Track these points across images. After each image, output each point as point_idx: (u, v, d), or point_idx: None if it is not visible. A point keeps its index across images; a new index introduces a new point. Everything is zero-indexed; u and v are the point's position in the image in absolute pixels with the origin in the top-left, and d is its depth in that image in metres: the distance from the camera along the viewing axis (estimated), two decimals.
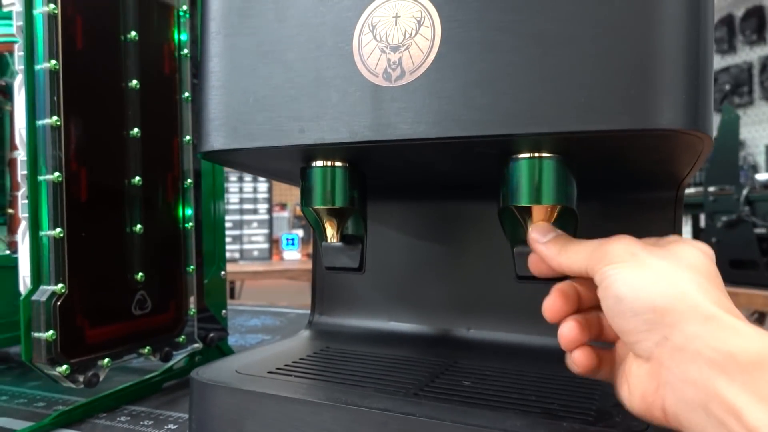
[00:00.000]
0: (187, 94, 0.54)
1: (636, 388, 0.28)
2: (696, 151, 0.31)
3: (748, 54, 3.39)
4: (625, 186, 0.43)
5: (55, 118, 0.42)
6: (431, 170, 0.43)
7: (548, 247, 0.32)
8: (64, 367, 0.42)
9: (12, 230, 0.61)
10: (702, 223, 1.49)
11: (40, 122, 0.42)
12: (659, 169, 0.38)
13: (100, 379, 0.45)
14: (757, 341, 0.24)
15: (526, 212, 0.35)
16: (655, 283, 0.26)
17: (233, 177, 2.53)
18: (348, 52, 0.34)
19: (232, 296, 2.62)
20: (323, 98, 0.34)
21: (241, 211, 2.53)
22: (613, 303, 0.28)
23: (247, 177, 2.54)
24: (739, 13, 3.40)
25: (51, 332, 0.42)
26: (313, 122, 0.34)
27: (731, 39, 3.45)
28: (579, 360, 0.31)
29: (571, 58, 0.29)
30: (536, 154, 0.33)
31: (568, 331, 0.31)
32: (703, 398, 0.24)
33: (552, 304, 0.32)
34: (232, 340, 0.76)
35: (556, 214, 0.34)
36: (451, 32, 0.31)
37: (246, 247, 2.54)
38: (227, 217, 2.47)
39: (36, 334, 0.42)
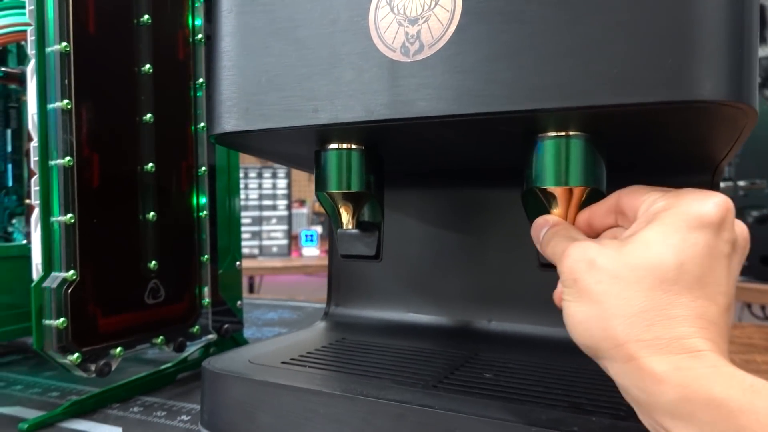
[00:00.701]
0: (201, 80, 0.53)
1: None
2: (738, 127, 0.29)
3: None
4: (657, 169, 0.40)
5: (66, 101, 0.41)
6: (451, 152, 0.41)
7: (541, 247, 0.32)
8: (76, 355, 0.42)
9: (28, 219, 0.61)
10: None
11: (50, 106, 0.41)
12: (696, 150, 0.35)
13: (112, 368, 0.44)
14: (673, 381, 0.23)
15: (552, 195, 0.33)
16: (587, 320, 0.26)
17: (252, 173, 2.53)
18: (364, 26, 0.32)
19: (252, 292, 2.62)
20: (338, 76, 0.32)
21: (260, 207, 2.54)
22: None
23: (267, 173, 2.55)
24: None
25: (62, 320, 0.41)
26: (327, 101, 0.33)
27: (762, 30, 3.35)
28: None
29: (602, 26, 0.27)
30: (563, 133, 0.31)
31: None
32: (653, 425, 0.24)
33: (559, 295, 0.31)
34: (248, 333, 0.75)
35: (584, 197, 0.32)
36: (472, 2, 0.29)
37: (265, 243, 2.54)
38: (246, 213, 2.48)
39: (47, 322, 0.41)
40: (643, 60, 0.26)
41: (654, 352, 0.23)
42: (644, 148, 0.36)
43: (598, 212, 0.31)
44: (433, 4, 0.30)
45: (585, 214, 0.32)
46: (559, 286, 0.30)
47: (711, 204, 0.25)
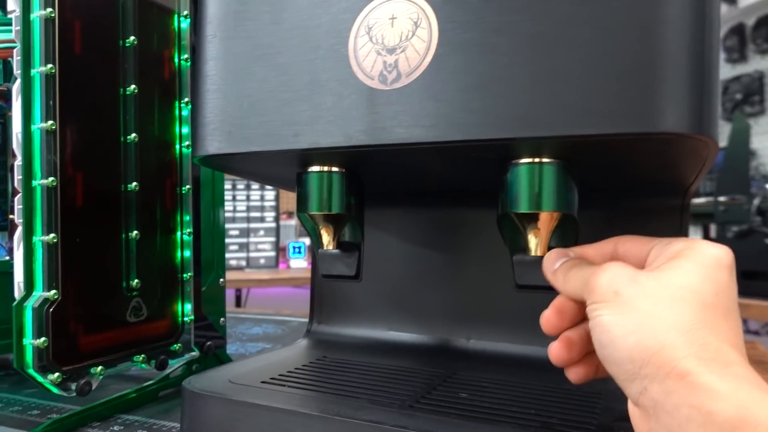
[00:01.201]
0: (186, 100, 0.54)
1: (634, 423, 0.27)
2: (701, 157, 0.30)
3: (759, 63, 3.36)
4: (629, 193, 0.42)
5: (50, 122, 0.42)
6: (429, 176, 0.42)
7: (556, 278, 0.31)
8: (56, 374, 0.42)
9: (11, 236, 0.61)
10: (713, 233, 1.47)
11: (35, 126, 0.42)
12: (664, 176, 0.37)
13: (93, 387, 0.45)
14: (733, 401, 0.22)
15: (526, 219, 0.34)
16: (633, 333, 0.25)
17: (240, 185, 2.53)
18: (343, 54, 0.33)
19: (238, 304, 2.61)
20: (318, 102, 0.33)
21: (248, 219, 2.53)
22: (597, 347, 0.27)
23: (255, 185, 2.55)
24: (750, 22, 3.38)
25: (43, 339, 0.41)
26: (307, 126, 0.34)
27: (742, 48, 3.42)
28: (572, 376, 0.31)
29: (571, 60, 0.28)
30: (536, 160, 0.32)
31: (556, 353, 0.31)
32: None
33: (547, 320, 0.31)
34: (232, 349, 0.75)
35: (556, 221, 0.33)
36: (448, 34, 0.30)
37: (252, 255, 2.53)
38: (234, 225, 2.47)
39: (27, 341, 0.41)
40: (610, 93, 0.27)
41: (712, 370, 0.23)
42: (615, 174, 0.37)
43: (590, 253, 0.32)
44: (410, 34, 0.31)
45: (576, 251, 0.33)
46: (549, 310, 0.31)
47: (724, 250, 0.27)
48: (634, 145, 0.29)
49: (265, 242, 2.56)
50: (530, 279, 0.36)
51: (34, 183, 0.42)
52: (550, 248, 0.34)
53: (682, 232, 0.41)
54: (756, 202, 1.32)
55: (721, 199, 1.42)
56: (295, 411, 0.34)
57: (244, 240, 2.52)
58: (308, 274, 0.56)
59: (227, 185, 2.47)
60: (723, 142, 1.66)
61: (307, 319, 0.55)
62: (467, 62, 0.30)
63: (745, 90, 3.39)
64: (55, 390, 0.42)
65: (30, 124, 0.42)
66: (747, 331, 1.52)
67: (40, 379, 0.42)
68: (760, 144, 3.30)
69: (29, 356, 0.41)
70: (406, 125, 0.31)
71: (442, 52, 0.30)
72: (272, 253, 2.57)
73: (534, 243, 0.34)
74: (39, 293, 0.42)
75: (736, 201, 1.38)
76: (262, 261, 2.55)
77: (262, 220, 2.56)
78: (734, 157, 1.46)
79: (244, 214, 2.53)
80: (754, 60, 3.37)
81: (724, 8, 3.41)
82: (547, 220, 0.33)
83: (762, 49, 3.30)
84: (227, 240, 2.45)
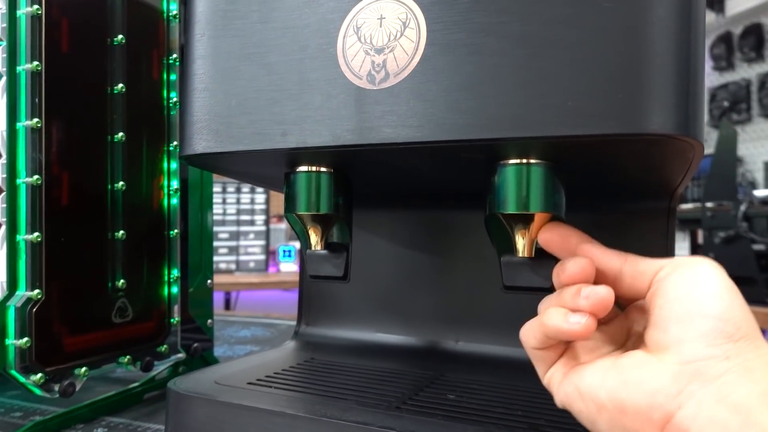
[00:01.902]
0: (175, 99, 0.53)
1: (608, 382, 0.26)
2: (687, 158, 0.30)
3: (747, 71, 3.40)
4: (616, 195, 0.42)
5: (36, 120, 0.41)
6: (418, 176, 0.42)
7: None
8: (39, 375, 0.41)
9: None
10: (700, 239, 1.48)
11: (20, 124, 0.41)
12: (651, 178, 0.37)
13: (77, 388, 0.44)
14: None
15: (513, 220, 0.34)
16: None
17: (231, 188, 2.52)
18: (332, 54, 0.33)
19: (228, 307, 2.60)
20: (306, 101, 0.33)
21: (238, 222, 2.52)
22: (685, 303, 0.26)
23: (245, 188, 2.54)
24: (737, 30, 3.42)
25: (26, 339, 0.41)
26: (295, 125, 0.33)
27: (730, 56, 3.46)
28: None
29: (558, 61, 0.28)
30: (523, 160, 0.32)
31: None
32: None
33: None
34: (220, 351, 0.75)
35: (544, 222, 0.33)
36: (436, 34, 0.30)
37: (242, 258, 2.52)
38: (224, 228, 2.46)
39: (10, 341, 0.40)
40: (597, 94, 0.27)
41: None
42: (602, 175, 0.38)
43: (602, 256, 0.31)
44: (398, 34, 0.31)
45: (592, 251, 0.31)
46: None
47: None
48: (621, 146, 0.29)
49: (255, 245, 2.56)
50: (518, 280, 0.36)
51: (19, 181, 0.41)
52: (537, 250, 0.34)
53: (669, 234, 0.41)
54: (742, 208, 1.33)
55: (709, 205, 1.43)
56: (281, 412, 0.33)
57: (234, 243, 2.51)
58: (297, 278, 0.56)
59: (217, 188, 2.46)
60: (710, 149, 1.67)
61: (295, 322, 0.55)
62: (455, 63, 0.30)
63: (732, 98, 3.43)
64: (37, 391, 0.42)
65: (15, 121, 0.42)
66: None
67: (22, 380, 0.41)
68: (746, 151, 3.33)
69: (12, 357, 0.41)
70: (394, 125, 0.31)
71: (430, 52, 0.30)
72: (262, 257, 2.56)
73: (522, 244, 0.34)
74: (22, 293, 0.41)
75: (723, 207, 1.39)
76: (251, 264, 2.54)
77: (252, 223, 2.55)
78: (721, 164, 1.48)
79: (234, 217, 2.52)
80: (741, 68, 3.41)
81: (711, 17, 3.44)
82: (534, 221, 0.33)
83: (749, 58, 3.34)
84: (217, 243, 2.44)
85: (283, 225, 3.01)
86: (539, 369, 0.31)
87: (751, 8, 3.31)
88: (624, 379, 0.26)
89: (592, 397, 0.27)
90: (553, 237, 0.32)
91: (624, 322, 0.30)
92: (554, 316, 0.28)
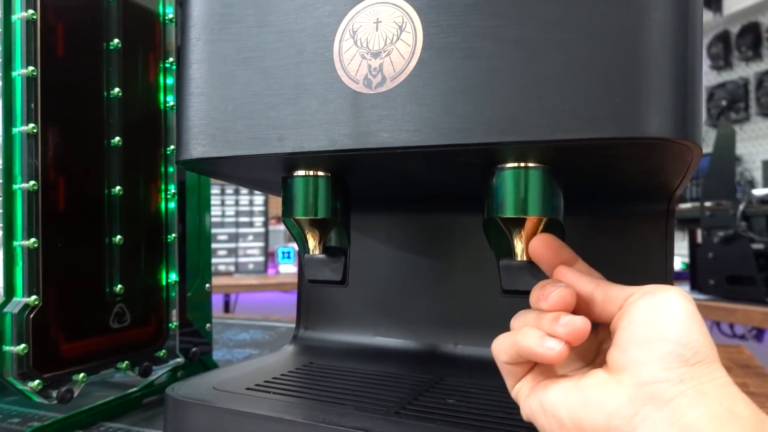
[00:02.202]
0: (171, 103, 0.53)
1: (571, 400, 0.27)
2: (685, 162, 0.30)
3: (744, 70, 3.40)
4: (615, 198, 0.42)
5: (32, 125, 0.41)
6: (415, 180, 0.42)
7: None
8: (36, 382, 0.41)
9: None
10: (699, 238, 1.48)
11: (16, 129, 0.41)
12: (649, 181, 0.37)
13: (75, 394, 0.44)
14: None
15: (512, 224, 0.34)
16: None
17: (229, 190, 2.52)
18: (328, 58, 0.33)
19: (227, 310, 2.59)
20: (303, 106, 0.33)
21: (237, 224, 2.52)
22: (647, 327, 0.26)
23: (244, 190, 2.53)
24: (735, 29, 3.42)
25: (23, 346, 0.40)
26: (292, 130, 0.33)
27: (727, 55, 3.46)
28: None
29: (556, 65, 0.28)
30: (521, 164, 0.32)
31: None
32: None
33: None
34: (219, 355, 0.74)
35: (542, 226, 0.33)
36: (432, 38, 0.30)
37: (241, 260, 2.52)
38: (223, 230, 2.46)
39: (7, 348, 0.40)
40: (594, 98, 0.27)
41: None
42: (601, 178, 0.37)
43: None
44: (395, 38, 0.31)
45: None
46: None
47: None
48: (619, 150, 0.29)
49: (253, 247, 2.55)
50: (516, 284, 0.36)
51: (15, 187, 0.41)
52: None
53: (668, 237, 0.41)
54: (741, 207, 1.33)
55: (707, 204, 1.43)
56: (279, 418, 0.33)
57: (232, 245, 2.51)
58: (296, 280, 0.56)
59: (216, 190, 2.45)
60: (708, 148, 1.67)
61: (294, 325, 0.55)
62: (452, 66, 0.30)
63: (730, 97, 3.43)
64: (35, 398, 0.42)
65: (11, 127, 0.41)
66: (733, 335, 1.53)
67: (20, 386, 0.41)
68: (745, 150, 3.34)
69: (9, 363, 0.40)
70: (390, 129, 0.31)
71: (426, 56, 0.30)
72: (261, 258, 2.56)
73: (520, 248, 0.34)
74: (19, 299, 0.41)
75: (721, 206, 1.39)
76: (250, 266, 2.53)
77: (251, 225, 2.55)
78: (719, 163, 1.48)
79: (233, 219, 2.51)
80: (739, 67, 3.42)
81: (709, 16, 3.44)
82: (532, 224, 0.33)
83: (746, 57, 3.34)
84: (215, 245, 2.43)
85: (282, 227, 3.00)
86: (508, 381, 0.32)
87: (748, 7, 3.31)
88: (584, 399, 0.27)
89: (554, 415, 0.27)
90: (542, 250, 0.32)
91: (594, 340, 0.31)
92: (530, 338, 0.28)
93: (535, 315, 0.30)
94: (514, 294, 0.36)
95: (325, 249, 0.41)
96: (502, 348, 0.30)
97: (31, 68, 0.41)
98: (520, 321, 0.31)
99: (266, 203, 2.59)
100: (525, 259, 0.34)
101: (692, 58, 0.27)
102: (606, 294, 0.29)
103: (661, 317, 0.26)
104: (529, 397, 0.29)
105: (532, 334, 0.28)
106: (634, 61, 0.27)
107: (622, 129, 0.27)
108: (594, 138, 0.27)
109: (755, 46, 3.32)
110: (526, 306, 0.33)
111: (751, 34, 3.34)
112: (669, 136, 0.27)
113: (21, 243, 0.41)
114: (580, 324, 0.28)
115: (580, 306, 0.30)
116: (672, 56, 0.27)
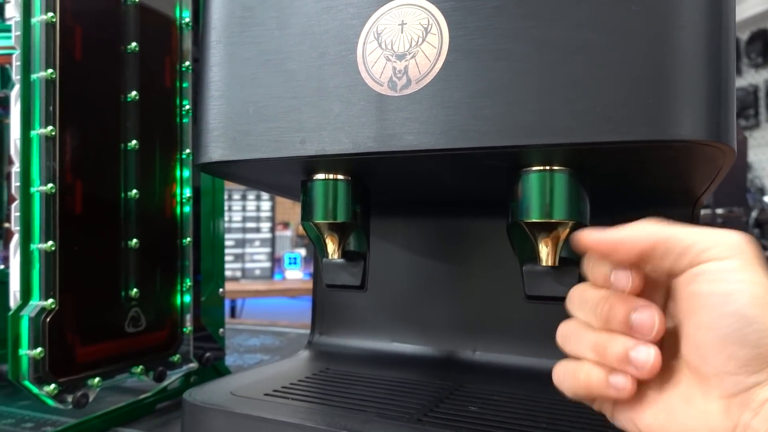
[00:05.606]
0: (188, 107, 0.53)
1: (677, 418, 0.25)
2: (717, 165, 0.30)
3: (754, 77, 3.39)
4: (638, 202, 0.41)
5: (50, 128, 0.41)
6: (437, 184, 0.41)
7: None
8: (52, 386, 0.41)
9: (6, 244, 0.59)
10: None
11: (34, 132, 0.41)
12: (676, 185, 0.36)
13: (90, 399, 0.43)
14: None
15: (536, 228, 0.33)
16: None
17: (236, 195, 2.52)
18: (352, 60, 0.32)
19: (233, 315, 2.59)
20: (325, 108, 0.33)
21: (244, 230, 2.52)
22: (722, 334, 0.24)
23: (251, 195, 2.54)
24: (744, 36, 3.41)
25: (39, 350, 0.40)
26: (314, 133, 0.33)
27: (737, 62, 3.45)
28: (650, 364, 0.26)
29: (585, 66, 0.27)
30: (547, 168, 0.32)
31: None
32: None
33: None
34: (229, 360, 0.74)
35: (567, 230, 0.33)
36: (459, 40, 0.30)
37: (248, 265, 2.52)
38: (230, 236, 2.46)
39: (23, 352, 0.40)
40: (625, 100, 0.27)
41: None
42: (627, 182, 0.37)
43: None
44: (420, 40, 0.31)
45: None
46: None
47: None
48: (649, 153, 0.29)
49: (260, 253, 2.55)
50: (541, 289, 0.35)
51: (33, 190, 0.41)
52: (561, 258, 0.33)
53: None
54: (754, 214, 1.32)
55: (719, 211, 1.42)
56: (301, 425, 0.33)
57: (239, 250, 2.51)
58: (304, 285, 0.55)
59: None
60: None
61: (304, 331, 0.55)
62: (479, 69, 0.29)
63: (740, 104, 3.42)
64: (50, 402, 0.41)
65: (29, 129, 0.41)
66: None
67: (35, 390, 0.41)
68: (755, 157, 3.32)
69: (25, 367, 0.40)
70: (416, 132, 0.30)
71: (452, 58, 0.30)
72: (267, 264, 2.56)
73: (545, 252, 0.33)
74: (36, 302, 0.41)
75: (734, 213, 1.38)
76: (257, 272, 2.53)
77: (257, 230, 2.55)
78: (731, 170, 1.47)
79: (239, 225, 2.51)
80: (749, 74, 3.41)
81: None
82: (558, 229, 0.32)
83: (756, 63, 3.33)
84: None
85: (289, 232, 3.00)
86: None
87: (757, 14, 3.30)
88: (679, 422, 0.25)
89: None
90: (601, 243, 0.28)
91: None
92: (594, 378, 0.26)
93: (595, 338, 0.27)
94: (537, 300, 0.36)
95: (344, 253, 0.40)
96: (565, 383, 0.28)
97: (50, 71, 0.41)
98: (577, 341, 0.28)
99: (273, 209, 2.59)
100: (550, 264, 0.33)
101: (726, 59, 0.27)
102: (666, 247, 0.25)
103: (735, 319, 0.24)
104: (617, 415, 0.28)
105: (595, 373, 0.26)
106: (666, 62, 0.26)
107: (654, 131, 0.26)
108: (625, 141, 0.26)
109: (764, 53, 3.32)
110: (549, 312, 0.32)
111: (760, 41, 3.33)
112: (702, 138, 0.26)
113: (38, 246, 0.41)
114: (654, 361, 0.25)
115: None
116: (705, 56, 0.26)
